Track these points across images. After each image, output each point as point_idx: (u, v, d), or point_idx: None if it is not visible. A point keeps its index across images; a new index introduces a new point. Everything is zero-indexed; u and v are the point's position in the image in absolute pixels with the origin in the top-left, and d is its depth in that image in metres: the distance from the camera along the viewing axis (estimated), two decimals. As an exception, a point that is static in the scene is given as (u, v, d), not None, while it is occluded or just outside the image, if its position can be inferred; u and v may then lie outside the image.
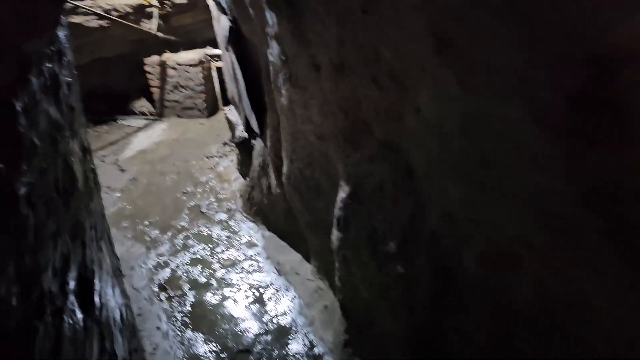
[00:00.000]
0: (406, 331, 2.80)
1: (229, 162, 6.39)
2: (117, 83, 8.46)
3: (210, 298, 4.12)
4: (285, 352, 3.55)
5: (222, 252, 4.70)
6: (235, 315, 3.91)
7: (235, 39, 4.38)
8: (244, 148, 5.45)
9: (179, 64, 7.80)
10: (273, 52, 3.50)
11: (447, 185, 2.28)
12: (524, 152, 1.67)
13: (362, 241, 2.79)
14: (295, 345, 3.57)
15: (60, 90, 2.01)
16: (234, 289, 4.19)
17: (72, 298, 1.70)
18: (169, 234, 5.09)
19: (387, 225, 2.65)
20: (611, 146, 1.30)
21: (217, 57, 7.68)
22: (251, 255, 4.58)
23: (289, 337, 3.64)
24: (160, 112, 8.32)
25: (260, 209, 4.97)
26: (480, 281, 2.21)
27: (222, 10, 4.63)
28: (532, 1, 1.31)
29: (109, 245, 3.06)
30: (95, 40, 7.44)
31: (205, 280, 4.35)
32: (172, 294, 4.23)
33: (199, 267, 4.52)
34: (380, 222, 2.71)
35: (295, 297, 3.99)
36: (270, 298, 4.04)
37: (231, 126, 5.98)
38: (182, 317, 3.96)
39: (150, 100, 8.40)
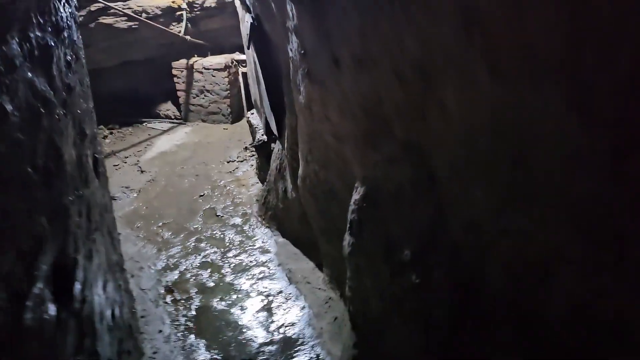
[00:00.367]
0: (420, 350, 2.56)
1: (249, 167, 6.26)
2: (144, 86, 8.48)
3: (217, 303, 3.95)
4: (290, 365, 3.34)
5: (234, 256, 4.53)
6: (241, 323, 3.72)
7: (257, 37, 4.26)
8: (263, 152, 5.30)
9: (205, 68, 7.76)
10: (293, 47, 3.35)
11: (471, 189, 2.06)
12: (562, 150, 1.44)
13: (376, 248, 2.59)
14: (301, 358, 3.35)
15: (52, 65, 1.88)
16: (242, 295, 4.01)
17: (41, 284, 1.54)
18: (182, 236, 4.96)
19: (404, 232, 2.44)
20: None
21: (245, 63, 7.61)
22: (263, 262, 4.40)
23: (295, 348, 3.43)
24: (185, 116, 8.28)
25: (275, 214, 4.80)
26: (506, 298, 1.97)
27: (247, 8, 4.53)
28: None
29: (109, 239, 2.92)
30: (124, 42, 7.46)
31: (213, 284, 4.18)
32: (178, 297, 4.07)
33: (209, 270, 4.36)
34: (396, 229, 2.50)
35: (304, 306, 3.78)
36: (279, 306, 3.85)
37: (252, 130, 5.85)
38: (186, 321, 3.79)
39: (176, 104, 8.38)
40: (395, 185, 2.54)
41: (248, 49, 4.70)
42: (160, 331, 3.72)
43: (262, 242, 4.68)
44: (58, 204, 1.80)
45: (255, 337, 3.58)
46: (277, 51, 4.09)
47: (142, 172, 6.55)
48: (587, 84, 1.25)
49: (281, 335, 3.55)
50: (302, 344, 3.44)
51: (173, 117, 8.39)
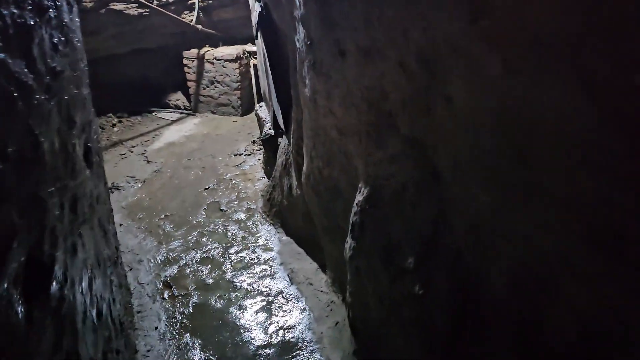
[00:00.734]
0: (419, 357, 2.40)
1: (256, 161, 6.12)
2: (155, 75, 8.38)
3: (215, 301, 3.82)
4: (287, 370, 3.20)
5: (235, 253, 4.40)
6: (239, 323, 3.59)
7: (265, 27, 4.10)
8: (270, 146, 5.16)
9: (216, 59, 7.63)
10: (299, 37, 3.19)
11: (474, 190, 1.90)
12: (573, 147, 1.28)
13: (377, 251, 2.43)
14: (299, 363, 3.22)
15: (33, 46, 1.75)
16: (242, 294, 3.87)
17: (6, 284, 1.41)
18: (184, 229, 4.84)
19: (405, 234, 2.28)
20: None
21: (257, 54, 7.47)
22: (265, 260, 4.26)
23: (294, 353, 3.29)
24: (194, 107, 8.17)
25: (280, 211, 4.66)
26: (508, 308, 1.82)
27: (256, -4, 4.38)
28: None
29: (101, 232, 2.80)
30: (135, 30, 7.36)
31: (212, 281, 4.05)
32: (176, 292, 3.95)
33: (209, 266, 4.23)
34: (397, 231, 2.34)
35: (305, 309, 3.64)
36: (279, 308, 3.71)
37: (260, 123, 5.72)
38: (182, 318, 3.66)
39: (186, 94, 8.27)
40: (398, 184, 2.39)
41: (257, 38, 4.55)
42: (156, 328, 3.60)
43: (265, 240, 4.54)
44: (33, 196, 1.66)
45: (253, 339, 3.44)
46: (285, 42, 3.94)
47: (148, 162, 6.45)
48: (603, 74, 1.10)
49: (280, 339, 3.41)
50: (300, 348, 3.30)
51: (183, 107, 8.28)
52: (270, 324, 3.56)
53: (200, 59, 7.77)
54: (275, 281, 3.98)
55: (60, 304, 1.86)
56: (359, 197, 2.57)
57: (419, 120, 2.15)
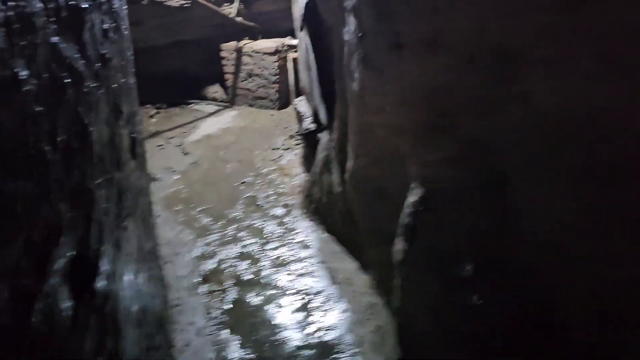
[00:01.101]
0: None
1: (293, 156, 6.03)
2: (193, 67, 8.37)
3: (253, 298, 3.74)
4: (326, 373, 3.11)
5: (273, 249, 4.32)
6: (277, 322, 3.51)
7: (311, 19, 3.99)
8: (309, 141, 5.06)
9: (255, 52, 7.56)
10: (349, 29, 3.07)
11: (552, 201, 1.75)
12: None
13: (430, 258, 2.30)
14: (339, 367, 3.11)
15: (84, 31, 1.68)
16: (280, 292, 3.79)
17: (55, 281, 1.33)
18: (221, 223, 4.78)
19: (464, 243, 2.14)
20: None
21: (295, 48, 7.37)
22: (303, 257, 4.17)
23: (334, 356, 3.18)
24: (231, 100, 8.13)
25: (319, 208, 4.56)
26: (584, 339, 1.66)
27: (301, -12, 4.27)
28: None
29: (144, 225, 2.74)
30: (175, 21, 7.35)
31: (250, 277, 3.98)
32: (213, 287, 3.89)
33: (246, 262, 4.16)
34: (455, 238, 2.20)
35: (345, 310, 3.53)
36: (318, 307, 3.61)
37: (299, 118, 5.61)
38: (219, 314, 3.60)
39: (224, 87, 8.24)
40: (456, 188, 2.24)
41: (300, 31, 4.45)
42: (193, 323, 3.54)
43: (304, 237, 4.45)
44: (81, 188, 1.59)
45: (291, 338, 3.35)
46: (331, 35, 3.82)
47: (185, 154, 6.43)
48: None
49: (318, 340, 3.31)
50: (340, 351, 3.19)
51: (220, 100, 8.25)
52: (309, 323, 3.47)
53: (239, 51, 7.72)
54: (314, 280, 3.88)
55: (105, 301, 1.80)
56: (411, 198, 2.44)
57: (485, 119, 2.01)
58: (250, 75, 7.79)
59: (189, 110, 7.98)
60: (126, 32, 2.67)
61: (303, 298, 3.70)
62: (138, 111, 3.04)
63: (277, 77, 7.60)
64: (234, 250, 4.35)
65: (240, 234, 4.59)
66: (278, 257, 4.20)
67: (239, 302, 3.72)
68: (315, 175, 4.64)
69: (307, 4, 3.96)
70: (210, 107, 8.07)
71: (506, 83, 1.83)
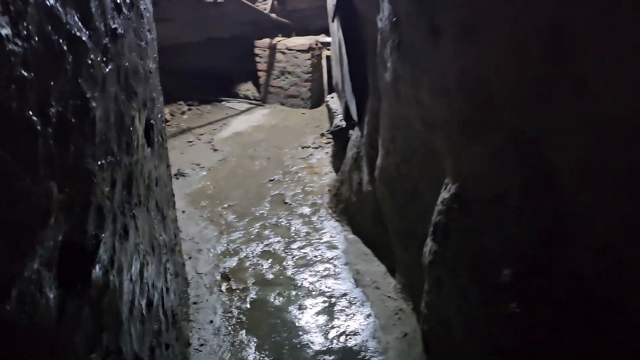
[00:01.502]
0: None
1: (323, 155, 5.86)
2: (226, 64, 8.32)
3: (274, 298, 3.58)
4: (348, 381, 2.91)
5: (298, 249, 4.15)
6: (298, 324, 3.33)
7: (344, 8, 3.82)
8: (340, 139, 4.88)
9: (288, 49, 7.45)
10: (383, 15, 2.88)
11: (611, 205, 1.52)
12: None
13: (465, 262, 2.08)
14: (362, 375, 2.92)
15: (90, 0, 1.55)
16: (302, 293, 3.62)
17: (39, 266, 1.19)
18: (246, 220, 4.65)
19: (505, 247, 1.92)
20: None
21: (329, 46, 7.21)
22: (329, 258, 3.99)
23: (356, 363, 2.99)
24: (263, 98, 8.04)
25: (347, 208, 4.37)
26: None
27: (335, -22, 4.11)
28: None
29: (159, 216, 2.62)
30: (209, 17, 7.30)
31: (272, 276, 3.82)
32: (234, 286, 3.75)
33: (270, 261, 4.01)
34: (494, 241, 1.98)
35: (370, 315, 3.33)
36: (342, 311, 3.42)
37: (331, 115, 5.45)
38: (239, 313, 3.45)
39: (256, 84, 8.15)
40: (497, 186, 2.02)
41: (332, 22, 4.28)
42: (211, 322, 3.41)
43: (330, 237, 4.27)
44: (78, 167, 1.46)
45: (312, 342, 3.17)
46: (364, 25, 3.64)
47: (214, 150, 6.35)
48: None
49: (341, 345, 3.12)
50: (363, 358, 2.99)
51: (252, 97, 8.17)
52: (332, 327, 3.28)
53: (272, 48, 7.61)
54: (338, 282, 3.69)
55: (103, 293, 1.66)
56: (444, 194, 2.23)
57: (531, 111, 1.79)
58: (282, 73, 7.67)
59: (221, 108, 7.92)
60: (147, 14, 2.56)
61: (326, 300, 3.51)
62: (159, 99, 2.92)
63: (310, 75, 7.46)
64: (258, 248, 4.21)
65: (265, 232, 4.44)
66: (303, 257, 4.04)
67: (259, 302, 3.57)
68: (345, 173, 4.46)
69: (339, -7, 3.80)
70: (241, 105, 7.99)
71: (557, 70, 1.61)
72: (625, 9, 1.29)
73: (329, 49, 7.23)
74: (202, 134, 6.92)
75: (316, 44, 7.45)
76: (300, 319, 3.37)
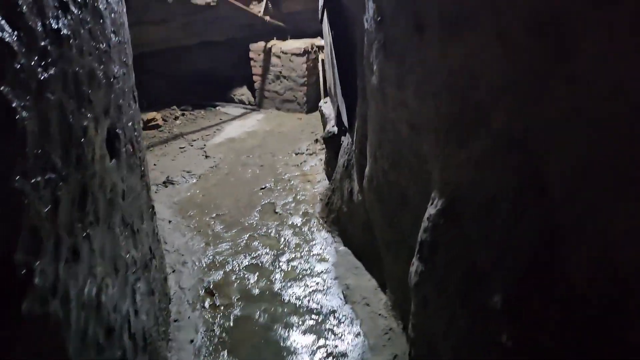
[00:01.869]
0: None
1: (317, 161, 5.67)
2: (221, 69, 8.16)
3: (260, 315, 3.38)
4: (334, 406, 2.71)
5: (287, 261, 3.96)
6: (284, 344, 3.13)
7: (332, 8, 3.64)
8: (332, 145, 4.69)
9: (283, 52, 7.27)
10: (368, 15, 2.70)
11: (610, 213, 1.33)
12: None
13: (454, 281, 1.88)
14: (349, 401, 2.71)
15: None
16: (289, 310, 3.41)
17: None
18: (234, 231, 4.46)
19: (495, 264, 1.72)
20: None
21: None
22: (318, 272, 3.79)
23: (343, 387, 2.79)
24: (259, 102, 7.86)
25: (338, 218, 4.17)
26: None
27: (324, -23, 3.92)
28: None
29: (128, 232, 2.43)
30: (203, 20, 7.13)
31: (258, 291, 3.62)
32: (218, 302, 3.56)
33: (256, 274, 3.82)
34: (484, 258, 1.78)
35: (360, 334, 3.12)
36: (330, 330, 3.21)
37: (324, 120, 5.26)
38: (221, 332, 3.26)
39: (252, 89, 7.98)
40: (486, 196, 1.82)
41: (321, 23, 4.10)
42: (192, 341, 3.21)
43: (321, 249, 4.07)
44: (3, 187, 1.27)
45: (297, 364, 2.97)
46: (352, 25, 3.45)
47: (206, 157, 6.17)
48: None
49: (327, 367, 2.92)
50: (350, 382, 2.79)
51: (247, 102, 8.00)
52: (319, 347, 3.08)
53: (267, 52, 7.44)
54: (328, 298, 3.49)
55: (42, 327, 1.46)
56: (431, 210, 2.03)
57: (520, 112, 1.60)
58: (278, 77, 7.49)
59: (215, 113, 7.75)
60: (113, 14, 2.38)
61: (314, 318, 3.31)
62: (130, 104, 2.74)
63: (306, 79, 7.28)
64: (245, 260, 4.01)
65: (253, 244, 4.24)
66: (291, 270, 3.84)
67: (244, 320, 3.37)
68: (336, 182, 4.27)
69: (327, -8, 3.61)
70: (236, 110, 7.82)
71: (548, 61, 1.42)
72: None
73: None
74: (194, 140, 6.75)
75: (312, 47, 7.27)
76: (286, 339, 3.16)
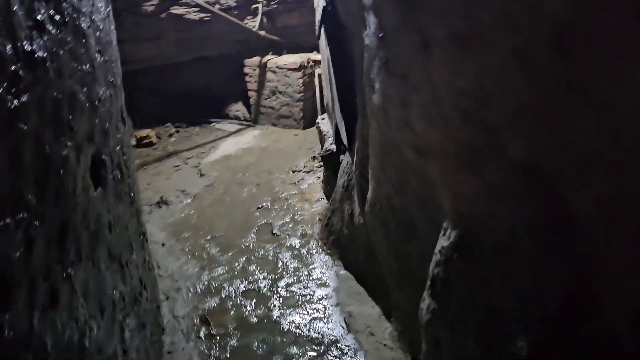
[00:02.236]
0: None
1: (315, 179, 5.52)
2: (216, 84, 8.02)
3: (257, 346, 3.20)
4: None
5: (285, 286, 3.78)
6: (283, 378, 2.96)
7: (329, 24, 3.50)
8: (330, 163, 4.54)
9: (279, 67, 7.14)
10: (369, 31, 2.56)
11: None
12: None
13: (469, 324, 1.72)
14: None
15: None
16: (289, 339, 3.24)
17: None
18: (230, 254, 4.29)
19: (518, 308, 1.56)
20: None
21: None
22: (319, 298, 3.61)
23: None
24: (254, 118, 7.72)
25: (339, 240, 4.01)
26: None
27: (321, -9, 3.79)
28: None
29: (114, 266, 2.26)
30: (196, 36, 7.01)
31: (256, 320, 3.45)
32: (214, 331, 3.37)
33: (254, 301, 3.64)
34: (505, 300, 1.62)
35: (364, 366, 2.95)
36: (332, 362, 3.04)
37: (321, 137, 5.12)
38: (217, 366, 3.08)
39: (247, 104, 7.84)
40: (504, 230, 1.67)
41: (318, 39, 3.97)
42: (185, 375, 3.03)
43: (320, 273, 3.90)
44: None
45: (297, 401, 2.80)
46: (351, 41, 3.32)
47: (201, 175, 6.01)
48: None
49: (330, 404, 2.74)
50: (355, 422, 2.61)
51: (243, 118, 7.85)
52: (320, 382, 2.90)
53: (262, 67, 7.31)
54: (329, 326, 3.32)
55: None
56: (443, 242, 1.87)
57: (541, 137, 1.45)
58: (274, 92, 7.36)
59: (210, 129, 7.60)
60: (97, 33, 2.23)
61: (316, 349, 3.13)
62: (119, 127, 2.58)
63: (302, 94, 7.15)
64: (242, 286, 3.84)
65: (250, 267, 4.07)
66: (290, 297, 3.66)
67: (241, 350, 3.19)
68: (336, 202, 4.11)
69: (324, 7, 3.48)
70: (231, 126, 7.67)
71: (574, 85, 1.27)
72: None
73: (321, 67, 6.93)
74: (189, 158, 6.59)
75: (308, 62, 7.14)
76: (285, 372, 2.99)
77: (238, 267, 4.09)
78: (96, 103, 2.13)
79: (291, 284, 3.80)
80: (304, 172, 5.78)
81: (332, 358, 3.04)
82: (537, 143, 1.48)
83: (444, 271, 1.83)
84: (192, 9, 6.54)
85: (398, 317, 3.01)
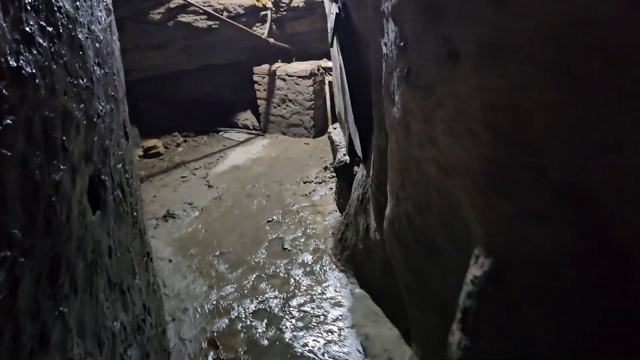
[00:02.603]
0: None
1: (327, 190, 5.34)
2: (224, 93, 7.89)
3: (269, 372, 3.03)
4: None
5: (298, 306, 3.61)
6: (296, 407, 2.78)
7: (343, 32, 3.34)
8: (344, 175, 4.37)
9: (288, 75, 6.99)
10: (388, 39, 2.39)
11: None
12: None
13: (507, 364, 1.54)
14: None
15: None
16: (302, 365, 3.06)
17: None
18: (240, 271, 4.12)
19: (559, 341, 1.39)
20: None
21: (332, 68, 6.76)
22: (333, 319, 3.43)
23: None
24: (264, 127, 7.57)
25: (354, 256, 3.83)
26: None
27: (333, -3, 3.64)
28: None
29: (115, 294, 2.10)
30: (204, 44, 6.88)
31: (267, 343, 3.27)
32: (222, 355, 3.20)
33: (264, 322, 3.47)
34: (547, 337, 1.45)
35: (382, 395, 2.77)
36: (349, 388, 2.86)
37: (333, 147, 4.95)
38: (226, 394, 2.91)
39: (256, 113, 7.70)
40: (545, 258, 1.49)
41: (332, 47, 3.81)
42: (193, 404, 2.86)
43: (335, 291, 3.72)
44: None
45: None
46: (366, 50, 3.15)
47: (209, 187, 5.86)
48: None
49: None
50: None
51: (252, 127, 7.71)
52: (336, 412, 2.72)
53: (272, 75, 7.17)
54: (345, 350, 3.13)
55: None
56: (475, 271, 1.69)
57: (586, 158, 1.28)
58: (283, 100, 7.21)
59: (218, 139, 7.46)
60: (97, 44, 2.08)
61: (330, 375, 2.96)
62: (119, 144, 2.43)
63: (312, 102, 6.99)
64: (252, 306, 3.67)
65: (261, 285, 3.90)
66: (303, 317, 3.49)
67: (251, 377, 3.02)
68: (350, 216, 3.93)
69: (337, 14, 3.32)
70: (240, 135, 7.53)
71: (626, 103, 1.11)
72: None
73: (331, 74, 6.77)
74: (197, 169, 6.45)
75: (318, 69, 6.99)
76: (298, 401, 2.82)
77: (248, 285, 3.92)
78: (95, 119, 1.97)
79: (304, 304, 3.63)
80: (315, 182, 5.61)
81: (349, 386, 2.86)
82: (583, 164, 1.31)
83: (477, 304, 1.65)
84: (200, 16, 6.41)
85: (417, 340, 2.82)
